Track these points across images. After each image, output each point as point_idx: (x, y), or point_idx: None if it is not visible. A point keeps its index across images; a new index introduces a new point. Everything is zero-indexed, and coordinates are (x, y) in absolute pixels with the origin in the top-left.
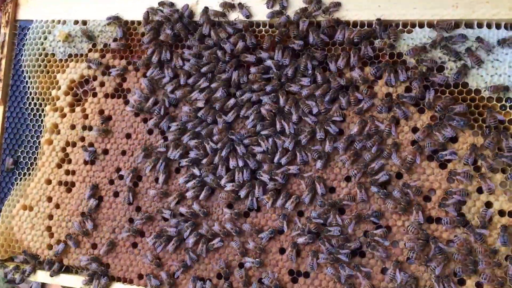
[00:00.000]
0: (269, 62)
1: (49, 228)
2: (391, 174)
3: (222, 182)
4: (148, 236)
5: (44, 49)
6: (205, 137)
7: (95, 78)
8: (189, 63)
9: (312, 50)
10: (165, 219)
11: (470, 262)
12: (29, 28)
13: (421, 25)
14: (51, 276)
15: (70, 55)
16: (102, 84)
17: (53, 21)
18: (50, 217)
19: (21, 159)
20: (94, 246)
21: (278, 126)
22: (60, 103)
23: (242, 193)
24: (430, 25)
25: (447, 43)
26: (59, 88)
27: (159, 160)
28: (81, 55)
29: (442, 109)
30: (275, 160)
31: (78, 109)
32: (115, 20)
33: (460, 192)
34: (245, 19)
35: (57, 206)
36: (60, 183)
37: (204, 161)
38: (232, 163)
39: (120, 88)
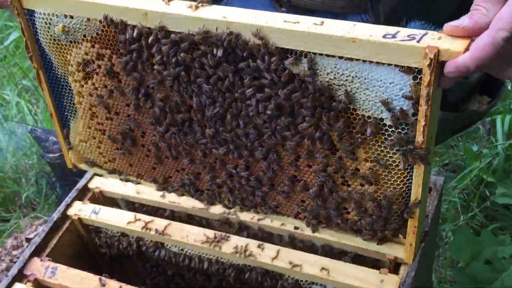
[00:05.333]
0: None
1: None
2: None
3: None
4: None
5: (51, 35)
6: None
7: (94, 61)
8: None
9: None
10: None
11: None
12: (35, 15)
13: None
14: None
15: (71, 42)
16: (99, 66)
17: (49, 14)
18: None
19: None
20: None
21: None
22: (76, 77)
23: None
24: None
25: None
26: (72, 66)
27: None
28: (78, 42)
29: None
30: None
31: (89, 82)
32: None
33: None
34: None
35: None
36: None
37: None
38: None
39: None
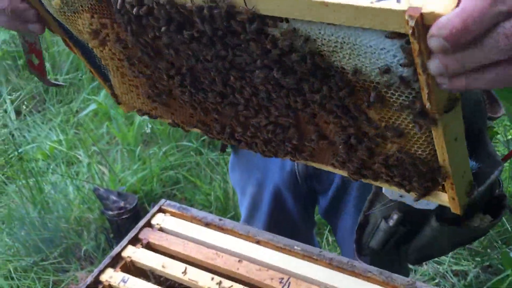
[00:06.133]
0: None
1: None
2: None
3: None
4: None
5: (54, 7)
6: None
7: (101, 30)
8: None
9: None
10: None
11: None
12: None
13: None
14: None
15: (74, 12)
16: (107, 35)
17: None
18: None
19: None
20: None
21: None
22: (94, 44)
23: None
24: None
25: None
26: (85, 34)
27: None
28: (79, 12)
29: None
30: None
31: (106, 48)
32: None
33: None
34: None
35: None
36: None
37: None
38: None
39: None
